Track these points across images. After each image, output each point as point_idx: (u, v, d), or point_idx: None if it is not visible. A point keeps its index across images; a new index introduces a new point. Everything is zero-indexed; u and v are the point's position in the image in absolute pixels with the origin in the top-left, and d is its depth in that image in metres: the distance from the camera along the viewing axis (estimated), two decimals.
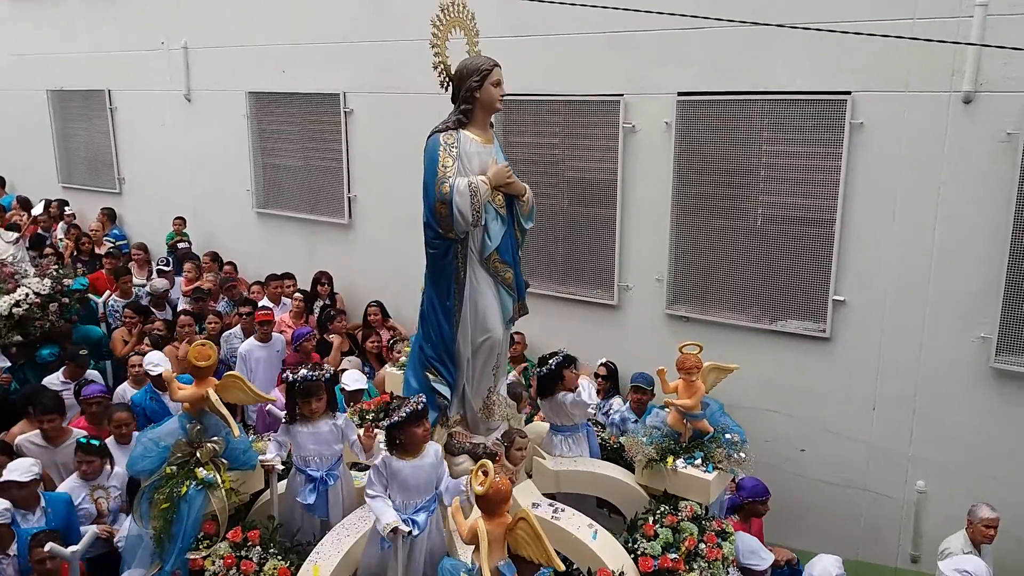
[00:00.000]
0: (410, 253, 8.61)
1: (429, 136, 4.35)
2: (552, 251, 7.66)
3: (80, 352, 6.79)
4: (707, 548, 4.32)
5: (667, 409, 4.89)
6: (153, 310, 8.41)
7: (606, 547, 4.28)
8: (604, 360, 6.98)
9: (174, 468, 4.19)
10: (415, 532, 3.91)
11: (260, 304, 8.33)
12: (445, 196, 4.18)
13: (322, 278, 8.79)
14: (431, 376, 4.50)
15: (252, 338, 7.41)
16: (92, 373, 6.89)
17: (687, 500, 4.60)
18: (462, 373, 4.57)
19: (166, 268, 9.23)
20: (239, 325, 7.85)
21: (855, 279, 6.17)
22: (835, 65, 5.96)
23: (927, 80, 5.68)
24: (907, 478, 6.12)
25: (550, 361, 5.10)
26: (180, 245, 10.05)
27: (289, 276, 8.89)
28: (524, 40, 7.27)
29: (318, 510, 4.40)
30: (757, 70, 6.27)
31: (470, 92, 4.29)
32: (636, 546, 4.28)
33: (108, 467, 5.29)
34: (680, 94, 6.58)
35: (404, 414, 3.92)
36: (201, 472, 4.16)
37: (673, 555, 4.20)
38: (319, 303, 8.70)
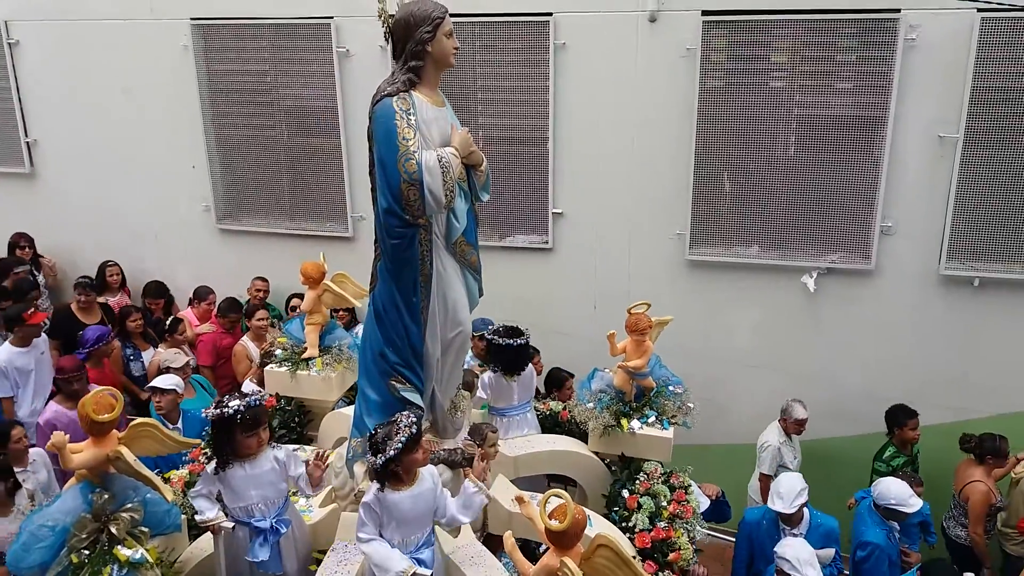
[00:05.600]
0: (108, 202, 7.86)
1: (376, 101, 3.64)
2: (277, 186, 7.34)
3: None
4: (682, 507, 4.28)
5: (610, 371, 4.79)
6: None
7: (602, 531, 4.00)
8: None
9: (83, 554, 3.32)
10: (429, 573, 3.38)
11: None
12: (413, 176, 3.51)
13: (20, 240, 7.63)
14: (398, 385, 3.87)
15: (7, 344, 5.98)
16: None
17: (648, 460, 4.54)
18: (431, 375, 4.00)
19: None
20: None
21: (569, 192, 6.66)
22: None
23: (617, 1, 6.15)
24: None
25: (515, 339, 4.75)
26: None
27: None
28: None
29: (272, 566, 3.69)
30: None
31: (421, 45, 3.64)
32: (627, 523, 4.18)
33: None
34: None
35: (401, 443, 3.27)
36: (124, 552, 3.35)
37: (662, 523, 4.14)
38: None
